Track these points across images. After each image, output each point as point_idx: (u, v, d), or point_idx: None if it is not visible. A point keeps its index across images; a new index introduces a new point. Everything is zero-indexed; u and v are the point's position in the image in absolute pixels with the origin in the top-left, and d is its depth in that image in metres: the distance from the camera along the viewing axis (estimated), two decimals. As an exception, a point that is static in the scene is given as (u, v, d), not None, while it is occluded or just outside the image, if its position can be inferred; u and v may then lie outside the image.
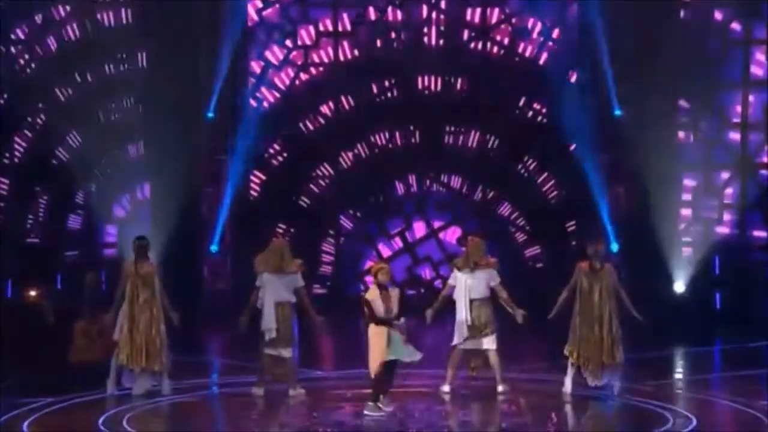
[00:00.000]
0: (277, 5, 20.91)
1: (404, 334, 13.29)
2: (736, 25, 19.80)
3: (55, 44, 19.63)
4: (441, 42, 20.99)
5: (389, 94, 21.08)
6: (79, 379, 14.76)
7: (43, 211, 19.78)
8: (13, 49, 19.54)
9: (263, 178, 20.95)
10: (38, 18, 19.49)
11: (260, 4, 20.83)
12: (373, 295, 13.43)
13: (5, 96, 19.27)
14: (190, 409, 14.00)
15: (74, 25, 19.70)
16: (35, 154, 19.56)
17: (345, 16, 20.95)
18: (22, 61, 19.53)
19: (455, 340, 14.10)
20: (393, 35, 21.02)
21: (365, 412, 13.10)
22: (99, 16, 19.80)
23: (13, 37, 19.47)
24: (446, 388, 14.14)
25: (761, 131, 19.66)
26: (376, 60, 20.95)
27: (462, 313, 13.99)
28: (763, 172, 19.72)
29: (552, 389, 14.46)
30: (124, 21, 19.87)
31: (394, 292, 13.58)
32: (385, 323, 13.18)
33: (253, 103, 20.76)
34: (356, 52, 20.98)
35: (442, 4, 20.93)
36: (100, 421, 13.16)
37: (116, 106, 20.04)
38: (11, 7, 19.28)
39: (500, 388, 14.13)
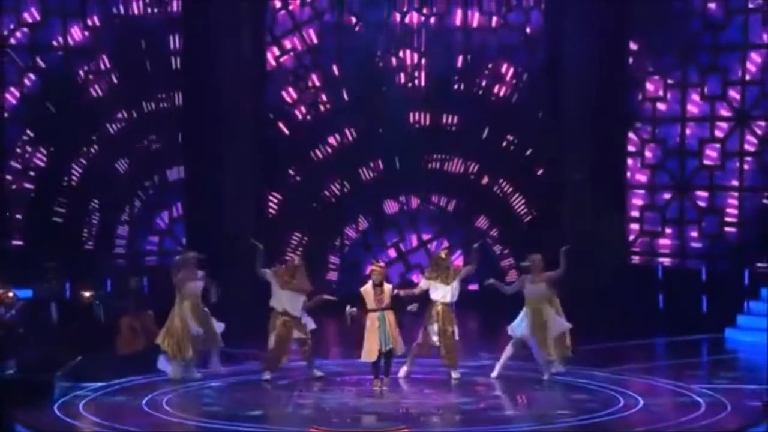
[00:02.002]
0: (292, 53, 20.92)
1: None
2: (676, 70, 19.78)
3: (105, 87, 19.64)
4: (428, 83, 20.97)
5: (386, 127, 21.02)
6: (126, 366, 14.76)
7: (96, 224, 19.74)
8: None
9: (279, 197, 20.94)
10: (85, 69, 19.46)
11: (277, 52, 20.84)
12: (366, 289, 13.73)
13: (62, 134, 19.27)
14: (222, 392, 13.95)
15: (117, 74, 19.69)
16: (90, 177, 19.56)
17: (349, 62, 20.88)
18: (78, 100, 19.53)
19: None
20: (388, 78, 20.97)
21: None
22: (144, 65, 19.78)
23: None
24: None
25: (696, 158, 19.66)
26: (376, 98, 20.91)
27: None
28: (699, 193, 19.69)
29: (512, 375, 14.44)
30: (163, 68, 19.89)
31: (387, 289, 13.80)
32: (374, 311, 13.44)
33: (271, 134, 20.72)
34: (358, 93, 20.94)
35: (430, 52, 20.91)
36: (144, 402, 13.15)
37: (157, 137, 20.01)
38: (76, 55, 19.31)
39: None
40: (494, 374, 14.32)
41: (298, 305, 14.14)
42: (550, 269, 14.33)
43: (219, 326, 14.46)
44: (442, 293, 14.21)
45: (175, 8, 19.86)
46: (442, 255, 14.53)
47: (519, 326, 14.26)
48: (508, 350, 14.37)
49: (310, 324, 14.36)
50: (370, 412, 12.81)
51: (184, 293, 14.28)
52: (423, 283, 14.45)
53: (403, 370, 14.38)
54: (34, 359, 13.87)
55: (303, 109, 20.90)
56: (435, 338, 14.23)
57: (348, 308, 13.74)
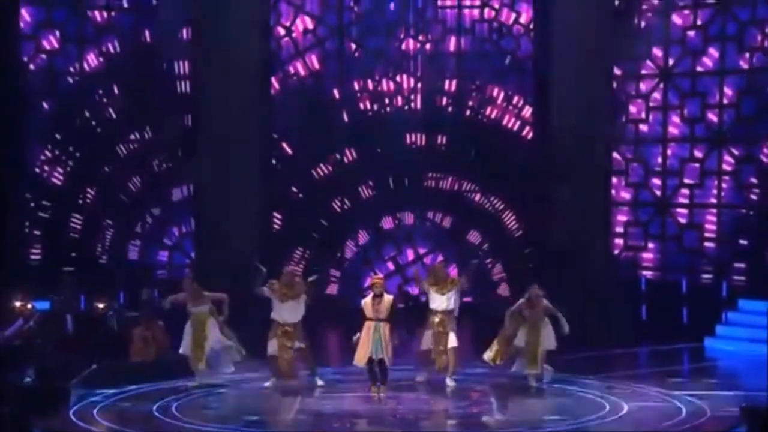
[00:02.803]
0: (295, 77, 20.96)
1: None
2: (657, 94, 19.81)
3: (118, 110, 19.67)
4: (425, 106, 21.01)
5: (383, 148, 21.06)
6: (137, 374, 14.75)
7: (110, 240, 19.74)
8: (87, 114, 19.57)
9: (283, 214, 20.94)
10: (100, 93, 19.53)
11: (282, 77, 20.85)
12: (366, 300, 13.80)
13: (77, 154, 19.30)
14: (229, 398, 13.95)
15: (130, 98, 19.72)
16: (104, 195, 19.58)
17: (349, 86, 20.96)
18: (93, 123, 19.56)
19: None
20: (386, 101, 21.05)
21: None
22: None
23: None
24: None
25: (676, 177, 19.70)
26: (374, 120, 20.96)
27: None
28: (679, 210, 19.71)
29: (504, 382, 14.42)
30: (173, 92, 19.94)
31: (386, 300, 13.83)
32: (371, 320, 13.52)
33: (275, 155, 20.77)
34: (357, 115, 20.99)
35: (426, 77, 20.96)
36: (154, 408, 13.15)
37: (166, 157, 20.02)
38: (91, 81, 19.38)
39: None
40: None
41: (299, 312, 14.19)
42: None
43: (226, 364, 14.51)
44: (439, 302, 14.25)
45: (184, 35, 19.90)
46: (438, 266, 14.64)
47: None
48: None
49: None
50: (367, 416, 12.82)
51: (191, 312, 14.37)
52: (424, 287, 14.54)
53: (420, 377, 14.39)
54: (51, 367, 13.86)
55: (305, 131, 20.92)
56: (429, 345, 14.24)
57: (355, 337, 13.88)
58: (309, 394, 13.96)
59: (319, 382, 14.32)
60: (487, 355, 14.50)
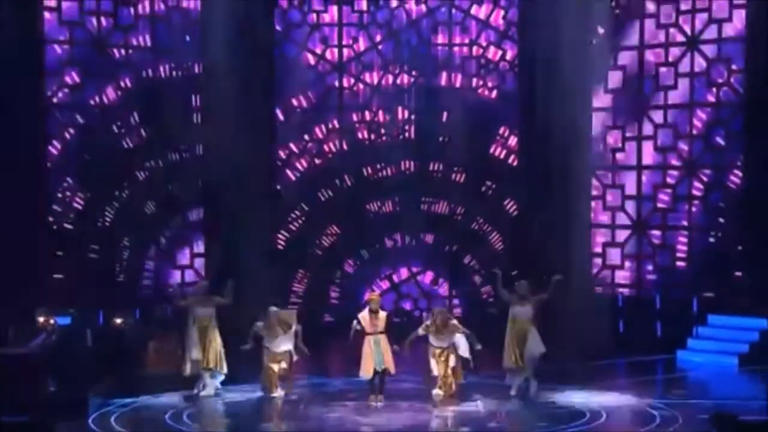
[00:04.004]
0: (298, 110, 21.03)
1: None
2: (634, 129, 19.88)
3: (135, 140, 19.69)
4: (418, 136, 21.03)
5: (380, 174, 21.09)
6: (152, 384, 14.72)
7: (126, 259, 19.69)
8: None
9: (287, 235, 20.95)
10: (118, 124, 19.53)
11: (285, 109, 20.95)
12: (363, 315, 13.75)
13: (97, 181, 19.27)
14: (239, 407, 13.90)
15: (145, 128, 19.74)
16: (121, 218, 19.54)
17: (348, 118, 21.02)
18: (112, 151, 19.56)
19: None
20: (383, 131, 21.09)
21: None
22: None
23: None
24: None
25: (651, 201, 19.72)
26: (370, 149, 21.00)
27: None
28: (653, 231, 19.73)
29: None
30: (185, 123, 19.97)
31: (382, 315, 13.80)
32: (370, 335, 13.51)
33: (279, 180, 20.81)
34: (356, 144, 21.06)
35: (419, 109, 21.01)
36: (167, 416, 13.13)
37: (180, 183, 20.01)
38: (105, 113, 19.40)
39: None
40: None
41: (289, 341, 14.22)
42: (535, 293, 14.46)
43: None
44: (438, 342, 13.97)
45: (196, 70, 19.95)
46: (438, 314, 14.18)
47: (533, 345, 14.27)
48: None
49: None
50: (366, 425, 12.79)
51: (196, 316, 14.37)
52: (420, 330, 14.19)
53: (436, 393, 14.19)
54: (72, 378, 13.83)
55: (307, 158, 20.94)
56: (435, 372, 13.98)
57: (354, 324, 13.82)
58: (312, 403, 13.93)
59: (292, 397, 14.24)
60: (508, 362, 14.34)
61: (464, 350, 14.09)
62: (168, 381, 14.57)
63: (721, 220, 18.85)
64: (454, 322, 14.14)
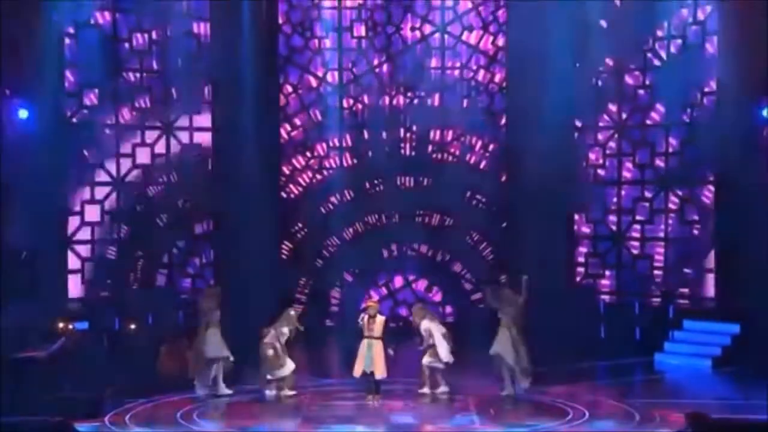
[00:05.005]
0: (301, 128, 21.10)
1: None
2: (612, 143, 19.88)
3: (150, 158, 19.75)
4: (413, 153, 21.10)
5: (377, 189, 21.12)
6: (164, 385, 14.75)
7: (141, 269, 19.71)
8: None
9: (291, 246, 20.99)
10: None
11: (289, 128, 21.00)
12: (361, 320, 13.85)
13: (113, 195, 19.29)
14: (246, 407, 13.91)
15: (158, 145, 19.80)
16: (136, 231, 19.55)
17: (347, 136, 21.09)
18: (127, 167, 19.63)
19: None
20: (387, 149, 21.11)
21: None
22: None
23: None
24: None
25: (630, 215, 19.77)
26: (369, 165, 21.04)
27: None
28: (633, 242, 19.77)
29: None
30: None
31: (380, 320, 13.88)
32: (366, 338, 13.61)
33: (283, 195, 20.85)
34: (355, 161, 21.13)
35: (414, 128, 21.07)
36: (178, 414, 13.16)
37: (190, 197, 20.05)
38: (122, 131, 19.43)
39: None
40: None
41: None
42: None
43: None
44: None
45: (205, 92, 20.06)
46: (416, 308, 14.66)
47: (495, 344, 14.33)
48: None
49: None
50: (363, 421, 12.85)
51: (211, 320, 14.40)
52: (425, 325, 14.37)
53: (440, 390, 14.31)
54: (89, 379, 13.85)
55: (309, 173, 21.01)
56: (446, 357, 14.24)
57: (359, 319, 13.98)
58: (314, 401, 13.96)
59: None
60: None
61: (445, 354, 14.21)
62: (180, 382, 14.58)
63: (695, 231, 18.93)
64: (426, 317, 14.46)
